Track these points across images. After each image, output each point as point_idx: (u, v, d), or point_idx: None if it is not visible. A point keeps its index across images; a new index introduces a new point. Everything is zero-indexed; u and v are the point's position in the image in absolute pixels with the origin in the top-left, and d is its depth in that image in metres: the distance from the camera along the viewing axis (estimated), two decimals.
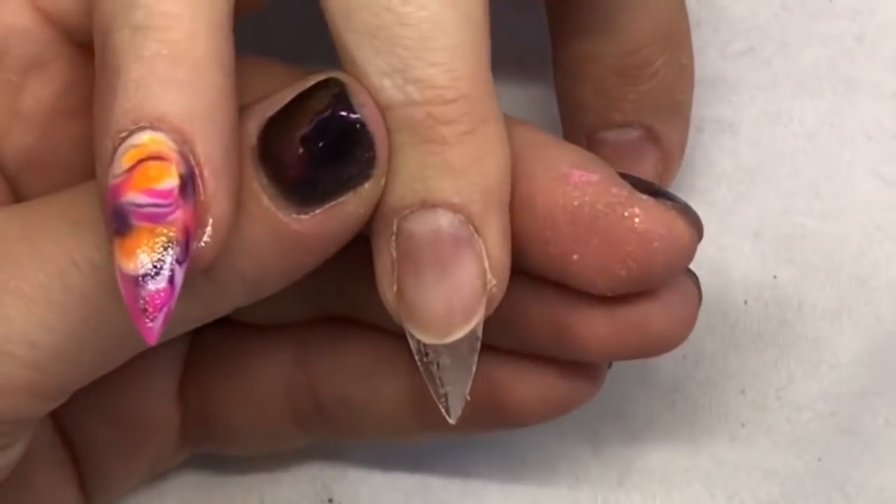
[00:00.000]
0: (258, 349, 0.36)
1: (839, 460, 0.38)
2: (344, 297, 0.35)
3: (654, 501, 0.39)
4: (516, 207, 0.30)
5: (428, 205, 0.29)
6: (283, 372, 0.36)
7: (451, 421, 0.31)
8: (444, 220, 0.29)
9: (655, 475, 0.39)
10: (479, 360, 0.30)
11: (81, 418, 0.35)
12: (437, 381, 0.30)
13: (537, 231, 0.31)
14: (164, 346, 0.34)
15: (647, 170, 0.37)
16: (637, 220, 0.31)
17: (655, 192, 0.31)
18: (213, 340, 0.37)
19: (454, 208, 0.29)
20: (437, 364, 0.30)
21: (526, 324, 0.32)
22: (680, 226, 0.31)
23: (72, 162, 0.33)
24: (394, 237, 0.29)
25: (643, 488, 0.39)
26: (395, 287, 0.29)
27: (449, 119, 0.28)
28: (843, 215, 0.39)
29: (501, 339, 0.32)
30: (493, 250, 0.29)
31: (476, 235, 0.29)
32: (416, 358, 0.30)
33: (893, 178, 0.39)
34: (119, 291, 0.26)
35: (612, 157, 0.35)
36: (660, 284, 0.31)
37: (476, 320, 0.29)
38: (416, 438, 0.37)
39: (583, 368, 0.34)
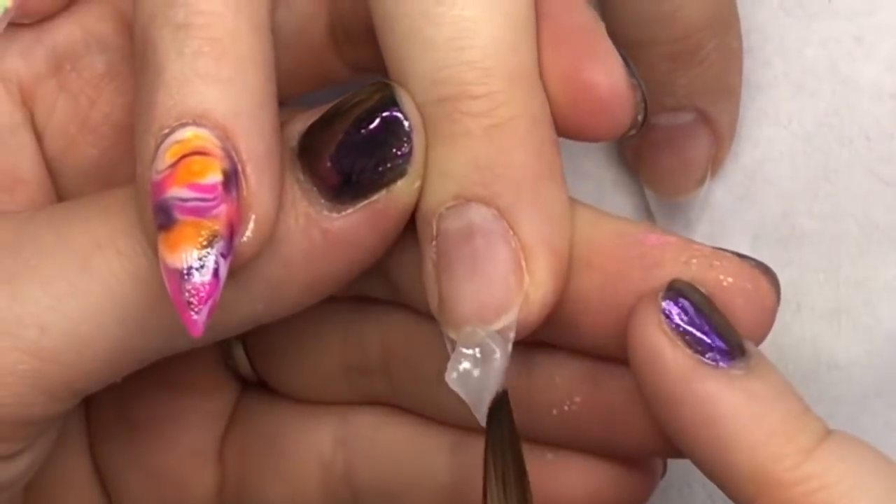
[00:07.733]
0: (299, 423, 0.35)
1: None
2: (388, 377, 0.34)
3: (653, 501, 0.38)
4: (600, 283, 0.30)
5: (460, 199, 0.29)
6: (321, 450, 0.35)
7: (482, 423, 0.30)
8: (475, 214, 0.29)
9: None
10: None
11: (119, 468, 0.35)
12: None
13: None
14: (207, 400, 0.35)
15: (700, 152, 0.38)
16: (722, 277, 0.30)
17: (733, 253, 0.30)
18: (258, 407, 0.36)
19: (484, 201, 0.29)
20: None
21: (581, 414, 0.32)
22: (765, 285, 0.30)
23: (129, 177, 0.32)
24: (434, 239, 0.29)
25: None
26: (437, 292, 0.29)
27: (475, 113, 0.28)
28: (841, 216, 0.39)
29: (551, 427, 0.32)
30: (530, 245, 0.29)
31: (511, 231, 0.29)
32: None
33: (892, 178, 0.39)
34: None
35: (665, 141, 0.35)
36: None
37: (508, 318, 0.29)
38: None
39: (635, 467, 0.33)
